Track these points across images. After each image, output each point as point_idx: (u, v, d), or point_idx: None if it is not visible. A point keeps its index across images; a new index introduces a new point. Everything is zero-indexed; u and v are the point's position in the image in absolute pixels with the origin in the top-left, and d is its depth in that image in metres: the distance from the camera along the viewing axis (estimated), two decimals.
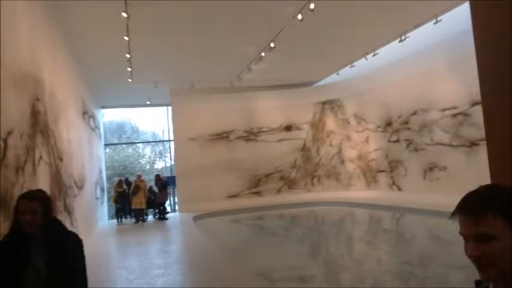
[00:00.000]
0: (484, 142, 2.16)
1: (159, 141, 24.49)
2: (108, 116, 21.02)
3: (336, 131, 16.15)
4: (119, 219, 13.90)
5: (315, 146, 16.52)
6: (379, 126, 13.89)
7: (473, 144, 10.09)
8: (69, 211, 7.92)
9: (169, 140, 20.12)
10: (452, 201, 1.24)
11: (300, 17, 8.62)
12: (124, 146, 25.13)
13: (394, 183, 13.28)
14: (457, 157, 10.60)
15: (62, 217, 6.87)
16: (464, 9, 6.74)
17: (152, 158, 26.62)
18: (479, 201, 1.03)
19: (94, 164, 13.21)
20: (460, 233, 1.06)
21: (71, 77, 9.59)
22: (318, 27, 9.61)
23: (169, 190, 15.74)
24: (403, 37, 10.64)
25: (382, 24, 9.97)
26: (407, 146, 12.53)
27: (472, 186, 1.12)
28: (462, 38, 8.81)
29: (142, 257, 8.19)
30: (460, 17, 8.35)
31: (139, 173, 15.13)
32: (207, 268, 6.78)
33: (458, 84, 10.40)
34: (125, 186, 14.36)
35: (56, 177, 6.91)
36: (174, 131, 16.11)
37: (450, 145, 10.90)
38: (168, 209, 16.31)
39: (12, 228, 2.23)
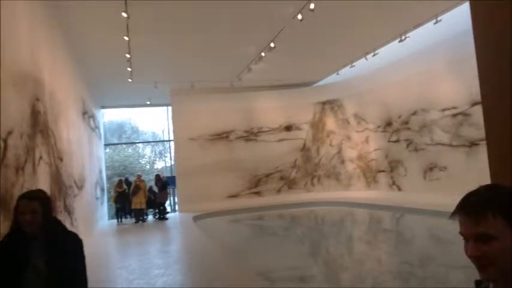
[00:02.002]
0: (484, 142, 2.16)
1: (159, 141, 24.49)
2: (108, 116, 21.02)
3: (336, 131, 16.15)
4: (119, 219, 13.90)
5: (315, 146, 16.52)
6: (379, 126, 13.89)
7: (473, 144, 10.09)
8: (69, 211, 7.92)
9: (169, 140, 20.12)
10: (452, 201, 1.24)
11: (300, 17, 8.62)
12: (124, 146, 25.12)
13: (394, 183, 13.28)
14: (457, 157, 10.60)
15: (62, 217, 6.87)
16: (464, 9, 6.73)
17: (152, 158, 26.62)
18: (479, 201, 1.03)
19: (94, 164, 13.21)
20: (460, 233, 1.06)
21: (71, 77, 9.59)
22: (318, 27, 9.61)
23: (169, 190, 15.73)
24: (403, 37, 10.64)
25: (382, 24, 9.97)
26: (407, 146, 12.53)
27: (472, 186, 1.12)
28: (462, 38, 8.81)
29: (142, 257, 8.19)
30: (460, 17, 8.34)
31: (139, 173, 15.13)
32: (207, 268, 6.78)
33: (458, 84, 10.40)
34: (124, 186, 14.36)
35: (56, 177, 6.91)
36: (174, 131, 16.11)
37: (450, 145, 10.90)
38: (168, 209, 16.31)
39: (12, 228, 2.23)
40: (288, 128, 16.46)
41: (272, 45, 10.46)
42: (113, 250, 9.66)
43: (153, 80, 13.44)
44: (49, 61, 6.97)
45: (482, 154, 8.97)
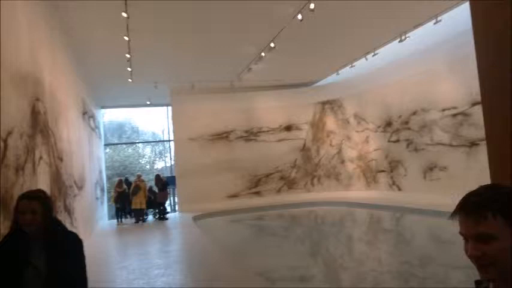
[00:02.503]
0: (484, 142, 2.16)
1: (159, 141, 24.48)
2: (108, 116, 21.02)
3: (336, 131, 16.15)
4: (119, 219, 13.91)
5: (315, 146, 16.52)
6: (379, 126, 13.89)
7: (473, 144, 10.09)
8: (69, 211, 7.92)
9: (169, 140, 20.12)
10: (452, 201, 1.24)
11: (300, 17, 8.62)
12: (124, 146, 25.10)
13: (394, 183, 13.28)
14: (457, 157, 10.60)
15: (62, 217, 6.87)
16: (464, 9, 6.74)
17: (152, 158, 26.60)
18: (479, 201, 1.03)
19: (94, 164, 13.21)
20: (460, 233, 1.06)
21: (71, 77, 9.59)
22: (318, 27, 9.61)
23: (169, 190, 15.72)
24: (403, 37, 10.64)
25: (382, 24, 9.97)
26: (407, 146, 12.53)
27: (472, 186, 1.12)
28: (462, 38, 8.81)
29: (142, 257, 8.19)
30: (460, 17, 8.35)
31: (139, 173, 15.14)
32: (207, 268, 6.78)
33: (458, 84, 10.39)
34: (124, 186, 14.36)
35: (56, 177, 6.91)
36: (174, 131, 16.12)
37: (450, 145, 10.90)
38: (168, 209, 16.31)
39: (12, 228, 2.23)
40: (288, 128, 16.46)
41: (272, 45, 10.46)
42: (113, 250, 9.65)
43: (153, 80, 13.44)
44: (49, 61, 6.97)
45: (482, 154, 8.97)
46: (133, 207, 13.72)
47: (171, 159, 20.80)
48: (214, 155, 15.68)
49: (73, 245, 2.29)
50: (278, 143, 16.31)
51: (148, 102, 17.20)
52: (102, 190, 15.10)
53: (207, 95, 15.57)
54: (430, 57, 11.22)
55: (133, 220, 13.77)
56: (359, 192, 14.78)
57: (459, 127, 10.56)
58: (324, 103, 16.39)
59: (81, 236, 2.44)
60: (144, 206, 13.79)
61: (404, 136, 12.68)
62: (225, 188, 15.52)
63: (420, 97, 11.82)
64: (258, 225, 12.99)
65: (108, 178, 18.22)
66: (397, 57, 12.07)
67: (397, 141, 13.02)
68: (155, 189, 14.33)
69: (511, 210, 1.00)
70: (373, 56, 11.98)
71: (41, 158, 5.77)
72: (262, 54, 11.32)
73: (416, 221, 10.41)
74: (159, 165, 25.78)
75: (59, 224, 2.35)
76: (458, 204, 1.07)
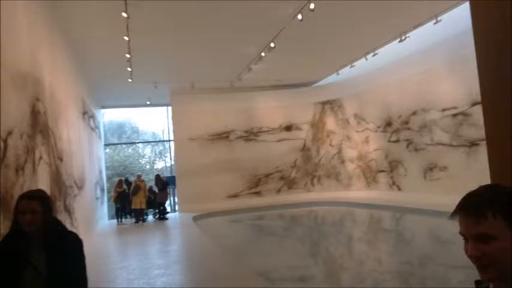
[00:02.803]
0: (484, 142, 2.16)
1: (159, 141, 24.48)
2: (108, 116, 21.01)
3: (336, 131, 16.15)
4: (119, 219, 13.91)
5: (315, 146, 16.52)
6: (379, 126, 13.89)
7: (473, 144, 10.09)
8: (69, 211, 7.92)
9: (169, 140, 20.12)
10: (452, 201, 1.24)
11: (300, 17, 8.62)
12: (124, 146, 25.10)
13: (394, 183, 13.28)
14: (457, 157, 10.61)
15: (62, 217, 6.87)
16: (464, 9, 6.74)
17: (152, 158, 26.60)
18: (479, 201, 1.03)
19: (94, 164, 13.21)
20: (460, 233, 1.06)
21: (71, 77, 9.59)
22: (318, 27, 9.61)
23: (169, 190, 15.73)
24: (403, 37, 10.64)
25: (382, 24, 9.97)
26: (407, 146, 12.53)
27: (472, 186, 1.12)
28: (462, 38, 8.82)
29: (142, 257, 8.19)
30: (460, 17, 8.35)
31: (139, 173, 15.14)
32: (207, 268, 6.78)
33: (458, 84, 10.40)
34: (124, 186, 14.36)
35: (56, 177, 6.91)
36: (174, 131, 16.12)
37: (450, 145, 10.90)
38: (168, 209, 16.31)
39: (12, 228, 2.23)
40: (288, 128, 16.46)
41: (272, 45, 10.46)
42: (113, 250, 9.66)
43: (153, 80, 13.44)
44: (49, 61, 6.97)
45: (482, 154, 8.97)
46: (133, 207, 13.72)
47: (171, 159, 20.80)
48: (214, 155, 15.68)
49: (73, 245, 2.29)
50: (278, 143, 16.31)
51: (148, 102, 17.19)
52: (102, 190, 15.09)
53: (207, 95, 15.58)
54: (430, 57, 11.23)
55: (133, 220, 13.77)
56: (359, 192, 14.78)
57: (459, 127, 10.56)
58: (324, 103, 16.39)
59: (81, 236, 2.44)
60: (144, 206, 13.80)
61: (404, 136, 12.68)
62: (225, 188, 15.52)
63: (420, 97, 11.82)
64: (258, 225, 12.99)
65: (108, 178, 18.22)
66: (397, 57, 12.07)
67: (397, 141, 13.02)
68: (155, 189, 14.33)
69: (511, 210, 1.00)
70: (373, 56, 11.97)
71: (41, 158, 5.77)
72: (262, 54, 11.32)
73: (416, 221, 10.42)
74: (159, 165, 25.79)
75: (59, 224, 2.35)
76: (458, 204, 1.07)
